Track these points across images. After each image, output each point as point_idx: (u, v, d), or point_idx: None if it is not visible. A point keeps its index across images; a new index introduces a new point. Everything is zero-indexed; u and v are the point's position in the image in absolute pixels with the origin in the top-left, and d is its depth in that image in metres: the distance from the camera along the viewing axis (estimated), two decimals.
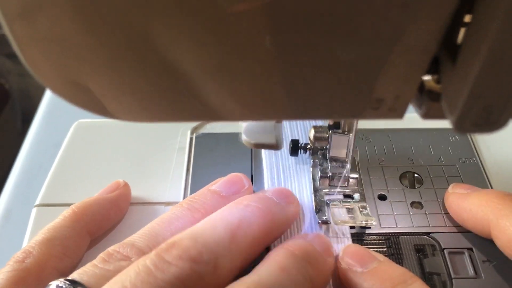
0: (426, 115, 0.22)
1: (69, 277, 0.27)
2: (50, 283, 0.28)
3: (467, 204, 0.34)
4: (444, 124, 0.44)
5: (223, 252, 0.27)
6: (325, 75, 0.20)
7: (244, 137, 0.28)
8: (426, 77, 0.22)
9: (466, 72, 0.18)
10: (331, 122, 0.34)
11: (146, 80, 0.20)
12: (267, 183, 0.38)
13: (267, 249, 0.33)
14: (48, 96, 0.65)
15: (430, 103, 0.21)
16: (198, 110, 0.22)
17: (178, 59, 0.19)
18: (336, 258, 0.32)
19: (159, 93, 0.21)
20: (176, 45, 0.18)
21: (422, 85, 0.22)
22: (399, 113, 0.22)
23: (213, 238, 0.27)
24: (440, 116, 0.21)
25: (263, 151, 0.41)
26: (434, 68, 0.21)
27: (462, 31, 0.19)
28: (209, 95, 0.21)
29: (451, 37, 0.19)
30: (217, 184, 0.35)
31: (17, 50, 0.19)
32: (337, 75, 0.20)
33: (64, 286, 0.27)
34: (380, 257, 0.31)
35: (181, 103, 0.22)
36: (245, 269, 0.28)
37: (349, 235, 0.35)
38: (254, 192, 0.38)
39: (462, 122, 0.19)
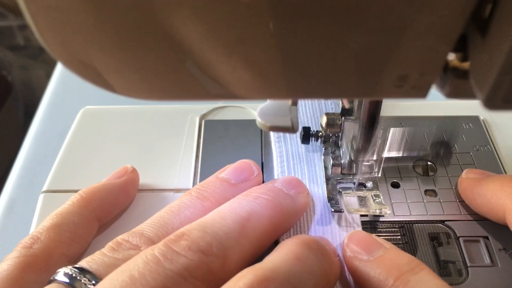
0: (451, 94, 0.21)
1: (78, 265, 0.27)
2: (59, 270, 0.27)
3: (481, 189, 0.33)
4: (458, 111, 0.44)
5: (233, 244, 0.27)
6: (344, 51, 0.19)
7: (259, 120, 0.28)
8: (450, 56, 0.21)
9: (497, 45, 0.17)
10: (346, 106, 0.33)
11: (152, 57, 0.20)
12: (277, 172, 0.37)
13: (275, 242, 0.32)
14: (52, 86, 0.65)
15: (456, 81, 0.20)
16: (205, 88, 0.21)
17: (186, 36, 0.18)
18: (342, 244, 0.31)
19: (165, 71, 0.21)
20: (183, 21, 0.18)
21: (446, 64, 0.21)
22: (423, 92, 0.21)
23: (223, 230, 0.27)
24: (465, 94, 0.21)
25: (272, 138, 0.40)
26: (459, 45, 0.20)
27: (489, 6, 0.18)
28: (217, 73, 0.20)
29: (479, 12, 0.18)
30: (226, 172, 0.35)
31: (30, 24, 0.18)
32: (359, 50, 0.19)
33: (72, 274, 0.26)
34: (387, 244, 0.30)
35: (188, 81, 0.21)
36: (254, 262, 0.28)
37: (359, 223, 0.34)
38: (263, 179, 0.37)
39: (492, 99, 0.18)
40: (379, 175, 0.36)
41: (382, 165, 0.36)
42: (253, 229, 0.28)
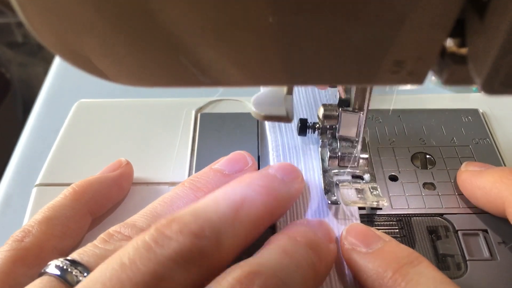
0: (448, 81, 0.20)
1: (69, 257, 0.27)
2: (49, 262, 0.27)
3: (481, 182, 0.33)
4: (457, 104, 0.43)
5: (226, 228, 0.26)
6: (341, 39, 0.19)
7: (253, 109, 0.27)
8: (448, 42, 0.20)
9: (496, 27, 0.17)
10: (343, 96, 0.32)
11: (143, 44, 0.19)
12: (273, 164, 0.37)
13: (272, 229, 0.32)
14: (48, 82, 0.64)
15: (453, 66, 0.20)
16: (197, 75, 0.21)
17: (177, 23, 0.18)
18: (340, 238, 0.31)
19: (157, 57, 0.20)
20: (174, 8, 0.17)
21: (443, 50, 0.20)
22: (419, 78, 0.20)
23: (216, 214, 0.26)
24: (463, 80, 0.20)
25: (268, 130, 0.39)
26: (457, 31, 0.19)
27: None
28: (209, 61, 0.20)
29: None
30: (220, 163, 0.34)
31: (19, 13, 0.18)
32: (353, 35, 0.19)
33: (63, 266, 0.26)
34: (385, 237, 0.29)
35: (180, 68, 0.20)
36: (247, 253, 0.27)
37: (357, 216, 0.34)
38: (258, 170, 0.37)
39: (491, 83, 0.17)
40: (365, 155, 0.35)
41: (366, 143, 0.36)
42: (247, 214, 0.28)
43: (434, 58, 0.19)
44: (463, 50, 0.20)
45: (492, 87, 0.18)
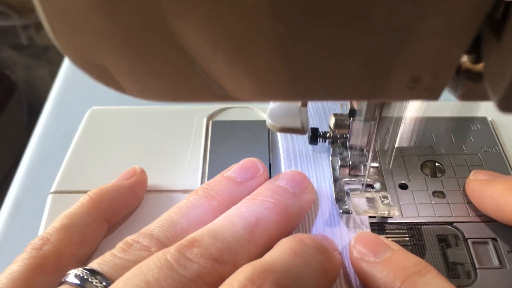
0: (463, 97, 0.21)
1: (88, 266, 0.27)
2: (69, 271, 0.27)
3: (489, 191, 0.33)
4: (465, 113, 0.43)
5: (242, 251, 0.27)
6: (354, 54, 0.19)
7: (269, 121, 0.28)
8: (463, 58, 0.21)
9: None
10: (356, 107, 0.33)
11: (160, 61, 0.20)
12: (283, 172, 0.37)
13: None
14: (57, 86, 0.65)
15: (468, 83, 0.20)
16: (214, 91, 0.21)
17: (190, 42, 0.19)
18: (348, 245, 0.31)
19: (174, 74, 0.21)
20: (187, 28, 0.18)
21: (458, 66, 0.21)
22: (435, 94, 0.21)
23: (233, 237, 0.27)
24: (478, 97, 0.21)
25: (280, 139, 0.40)
26: (472, 47, 0.20)
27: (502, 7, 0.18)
28: (221, 79, 0.20)
29: (493, 14, 0.18)
30: (232, 170, 0.35)
31: (45, 26, 0.19)
32: (370, 54, 0.19)
33: (83, 276, 0.26)
34: (394, 245, 0.30)
35: (196, 84, 0.21)
36: None
37: (367, 224, 0.34)
38: (270, 177, 0.37)
39: (507, 101, 0.18)
40: (390, 167, 0.36)
41: (392, 157, 0.36)
42: (261, 235, 0.29)
43: (450, 75, 0.20)
44: (478, 67, 0.20)
45: (508, 105, 0.18)
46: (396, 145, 0.38)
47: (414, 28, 0.18)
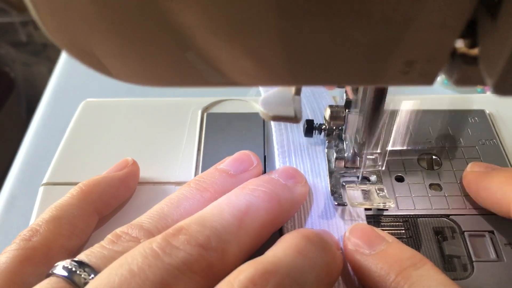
0: (459, 81, 0.20)
1: (76, 258, 0.27)
2: (57, 263, 0.27)
3: (486, 183, 0.33)
4: (463, 105, 0.43)
5: (231, 238, 0.26)
6: (349, 40, 0.19)
7: (261, 109, 0.27)
8: (458, 43, 0.20)
9: (508, 28, 0.17)
10: (351, 96, 0.32)
11: (152, 44, 0.19)
12: (278, 165, 0.37)
13: (280, 233, 0.32)
14: (53, 81, 0.64)
15: (464, 67, 0.20)
16: (206, 73, 0.21)
17: (186, 22, 0.18)
18: (343, 237, 0.31)
19: (165, 57, 0.20)
20: (183, 7, 0.17)
21: (454, 51, 0.20)
22: (430, 78, 0.20)
23: (221, 224, 0.27)
24: (473, 81, 0.20)
25: (274, 131, 0.39)
26: (468, 31, 0.19)
27: None
28: (218, 60, 0.20)
29: None
30: (225, 163, 0.34)
31: (32, 10, 0.18)
32: (362, 37, 0.19)
33: (71, 267, 0.26)
34: (389, 237, 0.29)
35: (187, 68, 0.20)
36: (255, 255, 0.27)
37: (364, 217, 0.34)
38: (265, 172, 0.37)
39: (503, 84, 0.17)
40: (383, 168, 0.35)
41: (386, 158, 0.35)
42: (251, 222, 0.28)
43: (445, 59, 0.19)
44: (474, 51, 0.20)
45: (504, 88, 0.18)
46: (389, 147, 0.38)
47: (407, 12, 0.18)
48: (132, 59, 0.20)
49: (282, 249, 0.26)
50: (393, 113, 0.42)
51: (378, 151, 0.35)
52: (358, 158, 0.36)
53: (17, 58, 1.43)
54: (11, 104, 1.35)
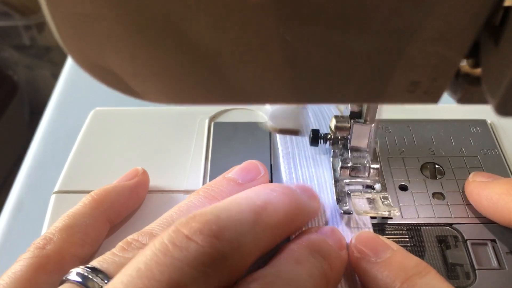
0: (462, 100, 0.21)
1: (89, 265, 0.27)
2: (71, 270, 0.27)
3: (488, 193, 0.34)
4: (465, 115, 0.44)
5: (247, 231, 0.26)
6: (353, 58, 0.19)
7: (269, 123, 0.28)
8: (461, 62, 0.21)
9: (510, 52, 0.17)
10: (356, 109, 0.33)
11: (172, 62, 0.20)
12: (285, 174, 0.38)
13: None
14: (59, 87, 0.65)
15: (467, 87, 0.21)
16: (225, 92, 0.21)
17: (204, 43, 0.19)
18: (349, 245, 0.31)
19: (186, 76, 0.21)
20: (201, 28, 0.18)
21: (457, 70, 0.21)
22: (435, 97, 0.21)
23: (238, 216, 0.26)
24: (476, 100, 0.21)
25: (279, 140, 0.40)
26: (471, 51, 0.20)
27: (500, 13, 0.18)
28: (237, 78, 0.20)
29: (491, 19, 0.19)
30: (233, 172, 0.35)
31: (53, 30, 0.19)
32: (369, 57, 0.19)
33: (85, 274, 0.27)
34: (394, 245, 0.30)
35: (208, 86, 0.21)
36: (260, 263, 0.28)
37: (370, 225, 0.34)
38: (272, 180, 0.37)
39: (505, 105, 0.18)
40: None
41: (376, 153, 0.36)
42: (268, 219, 0.27)
43: (449, 79, 0.20)
44: (477, 71, 0.21)
45: (506, 109, 0.18)
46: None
47: (414, 32, 0.18)
48: (153, 78, 0.21)
49: (282, 260, 0.27)
50: (396, 123, 0.42)
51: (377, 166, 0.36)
52: (363, 167, 0.37)
53: (20, 62, 1.44)
54: (14, 107, 1.36)
